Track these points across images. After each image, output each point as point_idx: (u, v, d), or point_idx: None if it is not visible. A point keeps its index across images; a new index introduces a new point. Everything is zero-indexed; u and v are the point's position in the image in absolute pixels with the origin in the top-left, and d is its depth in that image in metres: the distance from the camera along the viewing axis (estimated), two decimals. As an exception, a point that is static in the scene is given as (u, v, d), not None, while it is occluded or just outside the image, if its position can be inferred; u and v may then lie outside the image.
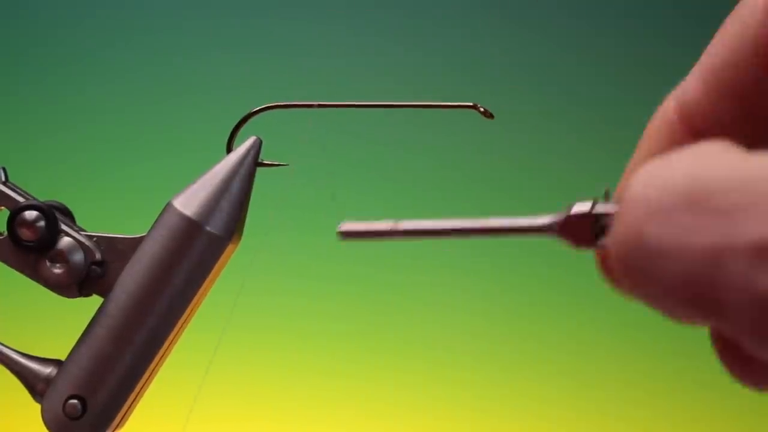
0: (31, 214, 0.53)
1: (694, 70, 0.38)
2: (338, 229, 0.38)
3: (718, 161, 0.31)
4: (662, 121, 0.39)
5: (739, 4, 0.37)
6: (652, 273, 0.32)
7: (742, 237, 0.29)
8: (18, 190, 0.55)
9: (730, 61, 0.37)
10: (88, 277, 0.53)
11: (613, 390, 1.44)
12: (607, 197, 0.37)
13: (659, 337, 1.45)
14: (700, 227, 0.30)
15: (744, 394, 1.46)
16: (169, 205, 0.53)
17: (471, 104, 0.53)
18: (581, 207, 0.37)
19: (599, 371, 1.44)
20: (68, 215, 0.55)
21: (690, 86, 0.38)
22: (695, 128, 0.38)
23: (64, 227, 0.54)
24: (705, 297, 0.30)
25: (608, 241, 0.34)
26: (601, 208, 0.37)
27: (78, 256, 0.53)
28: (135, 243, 0.53)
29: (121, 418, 0.54)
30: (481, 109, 0.53)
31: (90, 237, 0.54)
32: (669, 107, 0.39)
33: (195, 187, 0.53)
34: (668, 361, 1.45)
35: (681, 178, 0.31)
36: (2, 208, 0.54)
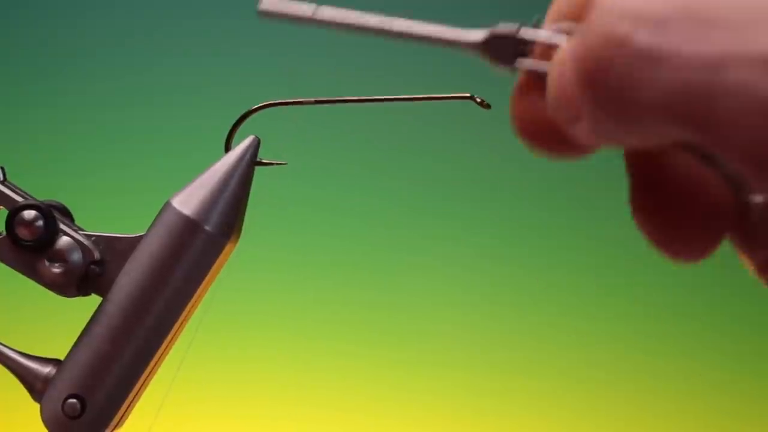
0: (29, 214, 0.53)
1: None
2: (258, 8, 0.38)
3: None
4: None
5: None
6: (638, 82, 0.30)
7: (753, 46, 0.29)
8: (17, 189, 0.55)
9: None
10: (87, 276, 0.53)
11: (613, 390, 1.43)
12: (536, 25, 0.37)
13: (659, 337, 1.45)
14: (702, 37, 0.30)
15: (744, 395, 1.46)
16: (167, 204, 0.53)
17: (468, 95, 0.53)
18: (507, 29, 0.37)
19: (599, 371, 1.44)
20: (67, 215, 0.55)
21: None
22: None
23: (62, 227, 0.54)
24: (699, 105, 0.30)
25: (558, 57, 0.32)
26: (528, 33, 0.37)
27: (76, 256, 0.53)
28: (133, 242, 0.53)
29: (120, 418, 0.54)
30: (478, 100, 0.53)
31: (88, 236, 0.54)
32: None
33: (193, 186, 0.53)
34: (669, 361, 1.45)
35: None
36: (1, 207, 0.54)
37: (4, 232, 0.54)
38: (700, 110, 0.30)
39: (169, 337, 0.54)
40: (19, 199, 0.54)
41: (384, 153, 1.46)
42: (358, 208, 1.45)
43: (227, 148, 0.54)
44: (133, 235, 0.53)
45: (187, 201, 0.53)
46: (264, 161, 0.54)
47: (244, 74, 1.46)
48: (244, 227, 0.55)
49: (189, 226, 0.53)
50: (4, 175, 0.55)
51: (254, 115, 0.54)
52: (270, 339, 1.44)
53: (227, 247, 0.53)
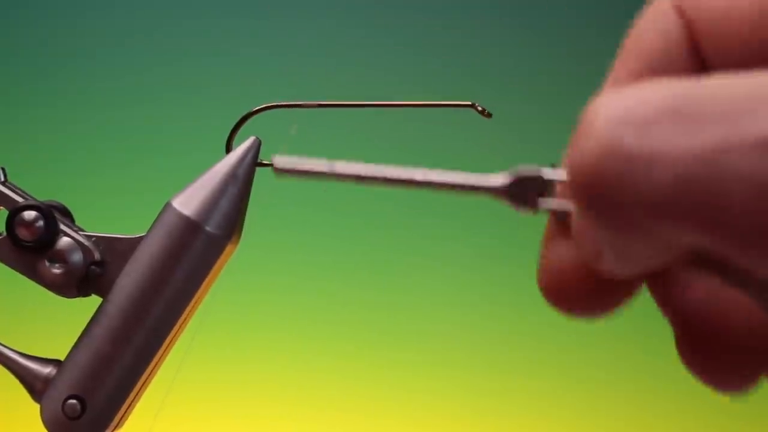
0: (30, 214, 0.53)
1: (608, 86, 0.37)
2: (273, 165, 0.38)
3: (702, 81, 0.30)
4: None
5: (643, 16, 0.37)
6: (631, 186, 0.30)
7: (749, 132, 0.29)
8: (17, 190, 0.55)
9: (658, 66, 0.36)
10: (87, 277, 0.53)
11: (613, 389, 1.43)
12: (555, 166, 0.37)
13: (659, 337, 1.45)
14: (693, 132, 0.29)
15: (747, 399, 1.46)
16: (168, 205, 0.53)
17: (469, 103, 0.53)
18: (530, 170, 0.38)
19: (599, 370, 1.44)
20: (67, 215, 0.55)
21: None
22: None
23: (63, 227, 0.54)
24: (698, 200, 0.29)
25: (570, 158, 0.32)
26: (549, 173, 0.37)
27: (77, 256, 0.53)
28: (134, 243, 0.53)
29: (120, 418, 0.54)
30: (479, 108, 0.53)
31: (89, 237, 0.54)
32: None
33: (194, 186, 0.53)
34: (668, 361, 1.45)
35: (662, 94, 0.30)
36: (1, 208, 0.54)
37: (5, 233, 0.54)
38: (698, 203, 0.29)
39: (170, 337, 0.54)
40: (19, 199, 0.54)
41: (385, 155, 1.46)
42: (358, 210, 1.45)
43: (228, 149, 0.54)
44: (134, 236, 0.53)
45: (188, 202, 0.53)
46: (265, 162, 0.54)
47: (245, 75, 1.46)
48: (244, 228, 0.55)
49: (189, 227, 0.53)
50: (4, 175, 0.55)
51: (255, 117, 0.54)
52: (270, 339, 1.44)
53: (228, 248, 0.53)
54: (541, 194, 0.36)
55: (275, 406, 1.42)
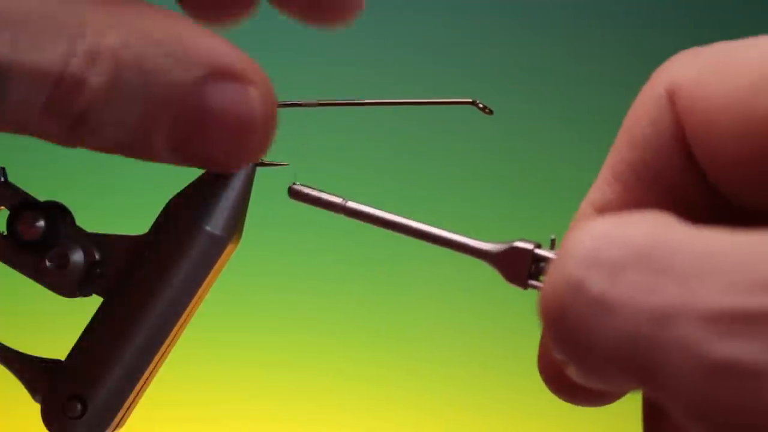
0: (30, 214, 0.53)
1: (605, 174, 0.38)
2: (290, 186, 0.40)
3: (675, 228, 0.30)
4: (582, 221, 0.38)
5: (638, 99, 0.37)
6: (590, 328, 0.30)
7: (698, 303, 0.29)
8: (17, 189, 0.55)
9: (641, 154, 0.36)
10: (88, 276, 0.53)
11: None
12: (552, 245, 0.38)
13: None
14: (652, 287, 0.29)
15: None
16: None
17: (470, 100, 0.53)
18: (523, 244, 0.38)
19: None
20: (67, 215, 0.55)
21: (606, 189, 0.37)
22: None
23: (63, 227, 0.54)
24: (647, 357, 0.29)
25: (543, 286, 0.33)
26: (543, 252, 0.37)
27: (77, 256, 0.53)
28: (134, 242, 0.53)
29: (121, 418, 0.54)
30: (480, 105, 0.53)
31: (89, 236, 0.54)
32: (587, 208, 0.38)
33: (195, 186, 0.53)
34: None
35: (637, 237, 0.30)
36: (1, 207, 0.54)
37: (5, 232, 0.54)
38: (645, 364, 0.29)
39: (170, 337, 0.53)
40: (20, 199, 0.54)
41: (385, 155, 1.46)
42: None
43: (228, 149, 0.54)
44: (134, 236, 0.53)
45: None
46: (266, 162, 0.54)
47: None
48: (245, 228, 0.55)
49: (190, 227, 0.52)
50: (4, 175, 0.55)
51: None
52: (270, 339, 1.44)
53: (228, 248, 0.53)
54: (534, 271, 0.37)
55: (275, 406, 1.42)
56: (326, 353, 1.43)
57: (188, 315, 0.54)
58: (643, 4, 1.57)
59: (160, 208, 0.53)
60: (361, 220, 0.39)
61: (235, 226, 0.53)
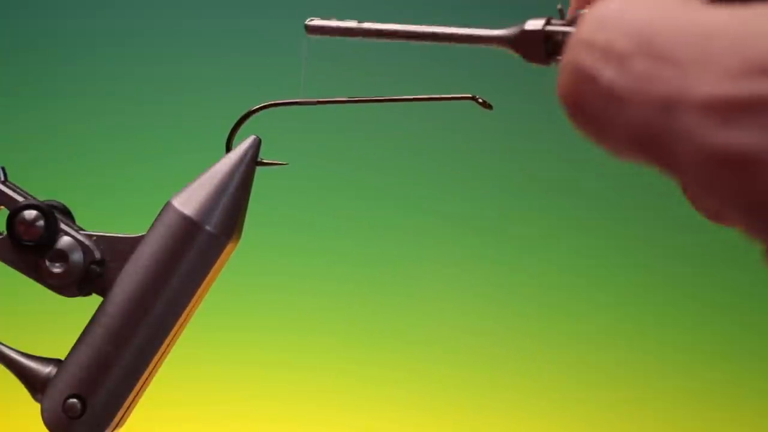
0: (30, 214, 0.53)
1: None
2: (306, 24, 0.40)
3: (677, 10, 0.31)
4: None
5: None
6: (606, 117, 0.31)
7: (695, 90, 0.29)
8: (17, 189, 0.55)
9: None
10: (88, 276, 0.53)
11: (613, 389, 1.43)
12: (561, 15, 0.38)
13: (660, 338, 1.45)
14: (657, 75, 0.30)
15: (744, 395, 1.46)
16: (168, 204, 0.53)
17: (470, 96, 0.53)
18: (535, 23, 0.39)
19: (598, 370, 1.44)
20: (67, 215, 0.55)
21: None
22: None
23: (63, 227, 0.54)
24: (658, 144, 0.30)
25: (560, 73, 0.34)
26: (555, 26, 0.38)
27: (77, 256, 0.53)
28: (134, 242, 0.53)
29: (121, 418, 0.54)
30: (480, 101, 0.53)
31: (89, 236, 0.54)
32: None
33: (194, 186, 0.53)
34: (667, 360, 1.45)
35: (641, 23, 0.31)
36: (2, 207, 0.54)
37: (5, 232, 0.54)
38: (656, 150, 0.31)
39: (170, 337, 0.53)
40: (20, 199, 0.54)
41: (385, 153, 1.46)
42: (358, 209, 1.45)
43: (228, 148, 0.54)
44: (134, 235, 0.53)
45: (188, 201, 0.53)
46: (265, 161, 0.54)
47: (245, 75, 1.46)
48: (244, 227, 0.55)
49: (189, 226, 0.53)
50: (5, 175, 0.55)
51: (255, 116, 0.54)
52: (270, 339, 1.44)
53: (228, 247, 0.53)
54: (551, 47, 0.38)
55: (275, 406, 1.42)
56: (326, 353, 1.43)
57: (188, 315, 0.54)
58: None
59: (160, 208, 0.53)
60: (378, 38, 0.40)
61: (234, 226, 0.53)
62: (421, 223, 1.44)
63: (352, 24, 0.40)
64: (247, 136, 0.54)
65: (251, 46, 1.48)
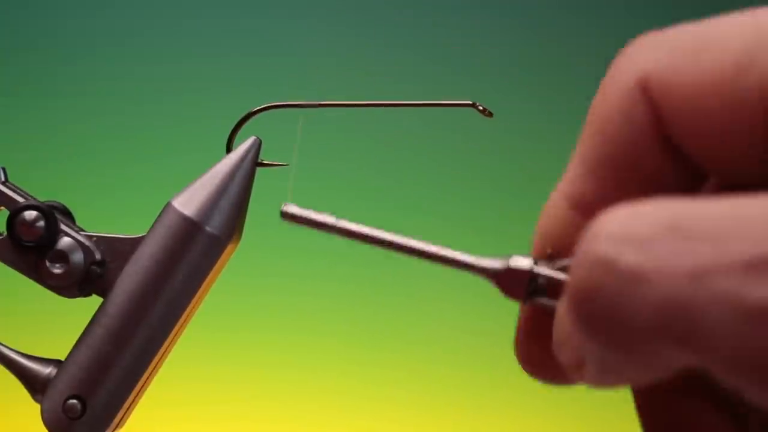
0: (30, 215, 0.53)
1: (576, 167, 0.38)
2: (282, 209, 0.40)
3: (694, 202, 0.31)
4: (554, 213, 0.39)
5: (604, 92, 0.36)
6: (624, 301, 0.30)
7: (732, 256, 0.29)
8: (18, 190, 0.55)
9: (613, 142, 0.36)
10: (88, 277, 0.53)
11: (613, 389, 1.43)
12: (550, 258, 0.38)
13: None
14: (685, 251, 0.30)
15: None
16: (168, 205, 0.53)
17: (470, 102, 0.53)
18: (521, 262, 0.38)
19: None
20: (68, 215, 0.55)
21: (579, 182, 0.38)
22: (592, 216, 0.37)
23: (63, 227, 0.54)
24: (684, 319, 0.30)
25: (571, 272, 0.33)
26: (542, 269, 0.37)
27: (77, 256, 0.53)
28: (134, 243, 0.53)
29: (121, 418, 0.54)
30: (480, 108, 0.53)
31: (90, 237, 0.54)
32: (559, 199, 0.39)
33: (195, 187, 0.53)
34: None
35: (661, 211, 0.31)
36: (2, 208, 0.54)
37: (5, 233, 0.54)
38: (684, 324, 0.30)
39: (170, 337, 0.53)
40: (20, 199, 0.54)
41: (385, 153, 1.46)
42: (358, 209, 1.45)
43: (228, 149, 0.54)
44: (134, 236, 0.53)
45: (188, 202, 0.53)
46: (265, 162, 0.54)
47: (245, 75, 1.46)
48: (245, 228, 0.55)
49: (190, 227, 0.53)
50: (5, 175, 0.55)
51: (256, 117, 0.54)
52: (270, 340, 1.44)
53: (228, 249, 0.53)
54: (534, 288, 0.37)
55: (275, 406, 1.42)
56: (326, 354, 1.43)
57: (188, 315, 0.54)
58: (645, 4, 1.56)
59: (160, 208, 0.53)
60: (354, 239, 0.39)
61: (234, 227, 0.53)
62: (421, 223, 1.44)
63: (329, 220, 0.40)
64: (248, 137, 0.54)
65: (251, 46, 1.48)
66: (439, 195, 1.47)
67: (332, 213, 0.39)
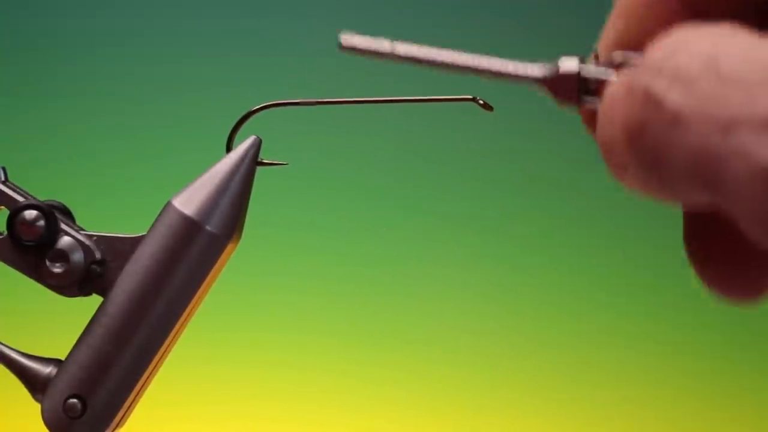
0: (30, 214, 0.53)
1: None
2: (340, 41, 0.39)
3: (740, 39, 0.31)
4: None
5: None
6: (665, 143, 0.31)
7: (758, 109, 0.30)
8: (18, 189, 0.55)
9: None
10: (88, 276, 0.53)
11: (613, 389, 1.44)
12: (596, 59, 0.38)
13: (660, 337, 1.45)
14: (722, 96, 0.30)
15: (744, 398, 1.46)
16: (168, 204, 0.53)
17: (470, 97, 0.53)
18: (569, 66, 0.38)
19: (600, 369, 1.44)
20: (68, 215, 0.55)
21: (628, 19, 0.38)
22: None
23: (63, 227, 0.54)
24: (711, 168, 0.30)
25: (619, 101, 0.34)
26: (591, 71, 0.37)
27: (78, 256, 0.53)
28: (135, 242, 0.53)
29: (121, 418, 0.54)
30: (481, 102, 0.53)
31: (90, 236, 0.54)
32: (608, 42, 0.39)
33: (195, 186, 0.53)
34: (667, 360, 1.45)
35: (709, 47, 0.31)
36: (2, 207, 0.54)
37: (5, 232, 0.54)
38: (712, 174, 0.31)
39: (170, 337, 0.54)
40: (20, 199, 0.54)
41: (385, 154, 1.46)
42: (358, 209, 1.45)
43: (228, 149, 0.54)
44: (135, 235, 0.53)
45: (188, 201, 0.53)
46: (265, 161, 0.54)
47: (245, 75, 1.46)
48: (245, 227, 0.55)
49: (190, 226, 0.53)
50: (5, 175, 0.55)
51: (256, 116, 0.54)
52: (270, 339, 1.44)
53: (228, 248, 0.53)
54: (583, 89, 0.38)
55: (275, 406, 1.42)
56: (326, 353, 1.43)
57: (188, 315, 0.54)
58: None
59: (160, 208, 0.53)
60: (410, 63, 0.40)
61: (234, 226, 0.53)
62: (421, 223, 1.44)
63: (386, 47, 0.40)
64: (248, 137, 0.54)
65: (251, 46, 1.48)
66: (439, 194, 1.47)
67: (390, 39, 0.40)
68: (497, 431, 1.44)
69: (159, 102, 1.46)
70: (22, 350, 0.55)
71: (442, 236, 1.44)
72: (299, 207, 1.41)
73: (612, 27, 0.40)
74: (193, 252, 0.53)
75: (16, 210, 0.53)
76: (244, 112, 0.54)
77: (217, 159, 0.54)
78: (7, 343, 0.55)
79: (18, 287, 0.56)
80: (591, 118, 0.38)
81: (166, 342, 0.53)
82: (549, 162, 1.45)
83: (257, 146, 0.54)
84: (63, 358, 0.54)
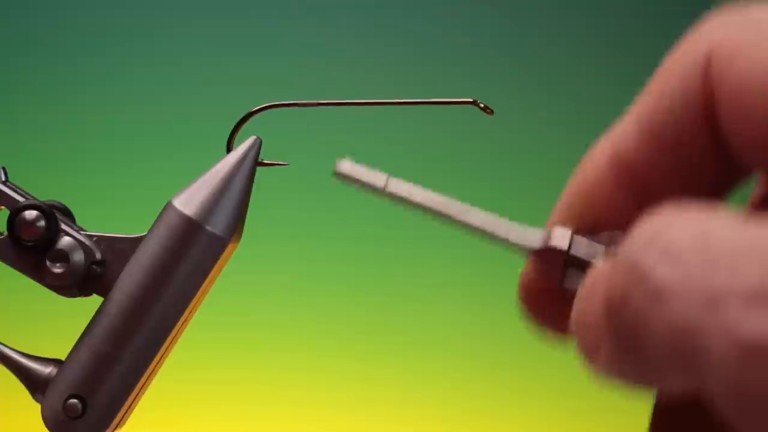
0: (31, 214, 0.53)
1: (629, 122, 0.38)
2: (335, 168, 0.39)
3: (728, 219, 0.31)
4: (593, 168, 0.39)
5: (677, 52, 0.36)
6: (644, 316, 0.30)
7: (742, 282, 0.29)
8: (18, 189, 0.55)
9: (667, 114, 0.36)
10: (88, 276, 0.53)
11: (614, 389, 1.43)
12: (592, 231, 0.38)
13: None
14: (708, 270, 0.30)
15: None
16: (169, 204, 0.53)
17: (471, 100, 0.53)
18: (560, 241, 0.38)
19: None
20: (68, 215, 0.55)
21: (630, 137, 0.37)
22: (630, 178, 0.37)
23: (64, 227, 0.54)
24: (691, 346, 0.30)
25: (604, 271, 0.33)
26: (581, 250, 0.37)
27: (78, 256, 0.53)
28: (135, 243, 0.53)
29: (122, 418, 0.54)
30: (482, 105, 0.53)
31: (90, 236, 0.54)
32: (603, 152, 0.39)
33: (195, 186, 0.53)
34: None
35: (700, 224, 0.31)
36: (2, 207, 0.54)
37: (5, 233, 0.54)
38: (691, 351, 0.30)
39: (171, 337, 0.54)
40: (20, 199, 0.54)
41: (385, 155, 1.46)
42: (358, 209, 1.45)
43: (229, 149, 0.54)
44: (135, 236, 0.53)
45: (189, 201, 0.53)
46: (266, 162, 0.54)
47: (245, 75, 1.46)
48: (245, 228, 0.55)
49: (190, 227, 0.53)
50: (5, 175, 0.55)
51: (256, 116, 0.54)
52: (270, 339, 1.44)
53: (229, 248, 0.53)
54: (568, 266, 0.37)
55: (276, 406, 1.42)
56: (326, 353, 1.44)
57: (188, 315, 0.54)
58: (644, 4, 1.57)
59: (160, 208, 0.53)
60: (403, 205, 0.40)
61: (235, 226, 0.53)
62: (421, 223, 1.44)
63: (380, 181, 0.40)
64: (248, 137, 0.54)
65: (251, 46, 1.48)
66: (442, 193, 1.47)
67: (386, 173, 0.40)
68: (497, 431, 1.44)
69: (159, 102, 1.46)
70: (21, 350, 0.55)
71: (442, 236, 1.44)
72: (299, 207, 1.41)
73: (564, 203, 0.40)
74: (194, 252, 0.53)
75: (16, 210, 0.53)
76: (244, 113, 0.54)
77: (218, 159, 0.54)
78: (7, 344, 0.55)
79: (18, 287, 0.56)
80: (557, 320, 0.39)
81: (167, 342, 0.53)
82: (549, 162, 1.45)
83: (258, 146, 0.54)
84: (63, 358, 0.54)
